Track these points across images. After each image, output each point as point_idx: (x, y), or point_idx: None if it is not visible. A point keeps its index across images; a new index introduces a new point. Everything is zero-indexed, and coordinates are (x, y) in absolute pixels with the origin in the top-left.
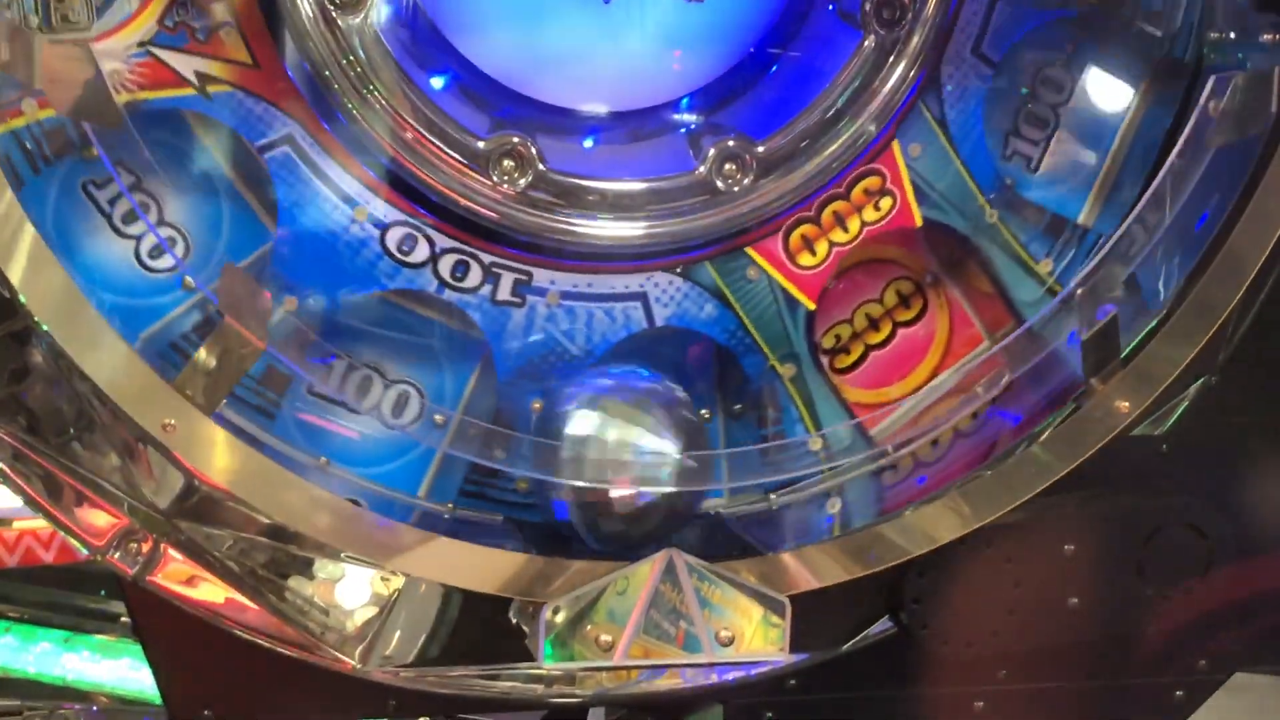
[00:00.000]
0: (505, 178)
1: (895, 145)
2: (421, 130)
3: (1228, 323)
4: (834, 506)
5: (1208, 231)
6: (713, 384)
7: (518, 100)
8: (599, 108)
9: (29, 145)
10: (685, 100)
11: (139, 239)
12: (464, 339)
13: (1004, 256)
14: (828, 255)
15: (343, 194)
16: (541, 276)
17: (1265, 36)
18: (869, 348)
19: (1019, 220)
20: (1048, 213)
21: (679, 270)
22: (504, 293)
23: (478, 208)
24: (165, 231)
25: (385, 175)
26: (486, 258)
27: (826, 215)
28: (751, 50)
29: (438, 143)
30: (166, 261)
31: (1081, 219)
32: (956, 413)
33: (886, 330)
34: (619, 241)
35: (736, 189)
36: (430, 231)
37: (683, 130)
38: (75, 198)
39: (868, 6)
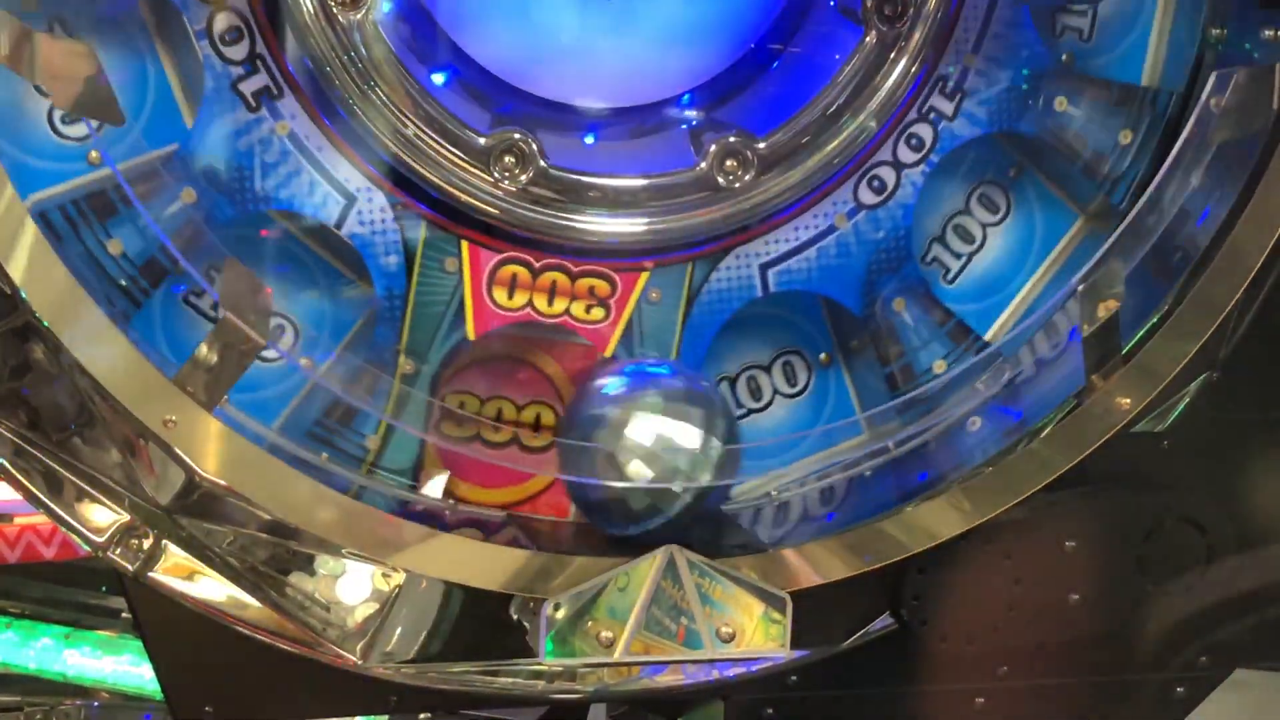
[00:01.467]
0: (506, 174)
1: (642, 279)
2: (422, 126)
3: (1229, 319)
4: (834, 502)
5: (1209, 228)
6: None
7: (519, 96)
8: (600, 104)
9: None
10: (686, 96)
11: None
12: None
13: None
14: (520, 308)
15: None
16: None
17: (1266, 33)
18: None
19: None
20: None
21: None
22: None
23: (479, 203)
24: None
25: (386, 171)
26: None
27: (545, 277)
28: (753, 46)
29: (439, 139)
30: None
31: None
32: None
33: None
34: (620, 238)
35: (738, 185)
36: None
37: (684, 126)
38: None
39: (869, 3)
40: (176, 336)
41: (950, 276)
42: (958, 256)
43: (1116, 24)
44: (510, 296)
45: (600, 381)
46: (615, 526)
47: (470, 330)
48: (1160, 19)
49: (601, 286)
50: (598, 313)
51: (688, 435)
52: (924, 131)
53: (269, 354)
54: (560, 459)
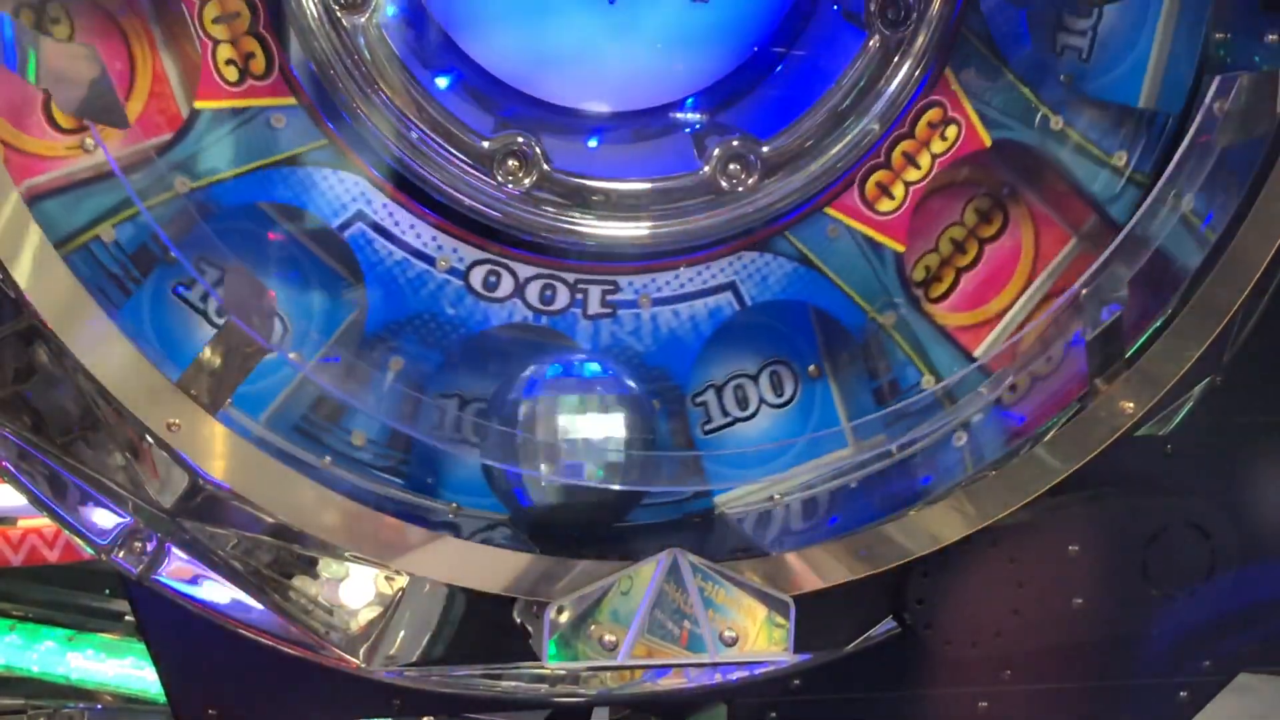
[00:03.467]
0: (510, 177)
1: (949, 73)
2: (426, 130)
3: (1232, 323)
4: (837, 506)
5: (1212, 232)
6: (816, 345)
7: (522, 100)
8: (603, 107)
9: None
10: (690, 100)
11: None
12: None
13: (1078, 158)
14: (905, 196)
15: (420, 252)
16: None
17: (1270, 37)
18: (959, 270)
19: (1085, 120)
20: (1111, 106)
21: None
22: (594, 307)
23: (482, 207)
24: None
25: (390, 175)
26: (570, 276)
27: (896, 156)
28: (756, 50)
29: (442, 142)
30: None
31: (1142, 102)
32: (1056, 318)
33: (974, 251)
34: (623, 241)
35: (741, 189)
36: (514, 265)
37: (687, 130)
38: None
39: (872, 7)
40: (164, 327)
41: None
42: (1083, 35)
43: (1117, 45)
44: (891, 198)
45: (527, 374)
46: (522, 517)
47: (897, 246)
48: (1160, 40)
49: (934, 114)
50: (951, 132)
51: (598, 433)
52: None
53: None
54: (484, 444)
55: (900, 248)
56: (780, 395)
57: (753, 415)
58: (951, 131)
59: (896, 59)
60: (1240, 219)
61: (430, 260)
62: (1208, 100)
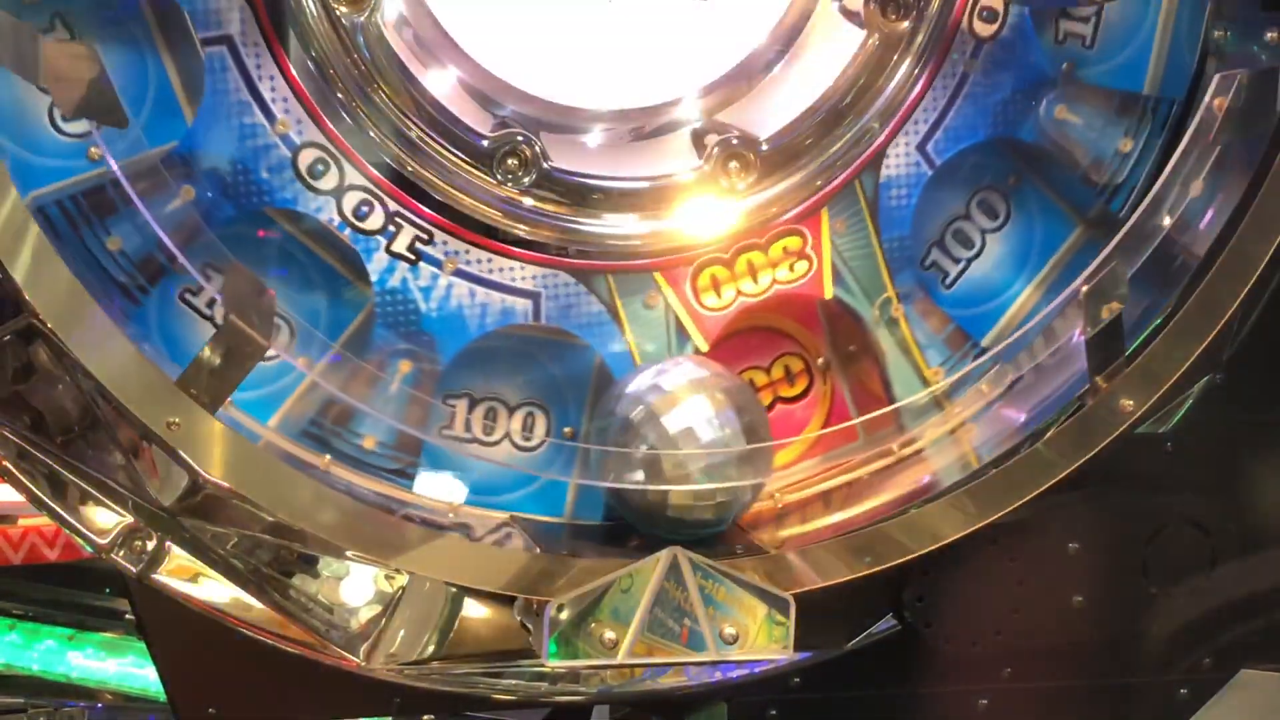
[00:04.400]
0: (509, 176)
1: (824, 214)
2: (425, 128)
3: (1231, 321)
4: (838, 505)
5: (1212, 230)
6: (585, 399)
7: (522, 98)
8: (603, 106)
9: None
10: (689, 98)
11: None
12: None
13: (900, 357)
14: (732, 304)
15: (266, 106)
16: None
17: (1269, 35)
18: None
19: (922, 324)
20: (952, 323)
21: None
22: (400, 246)
23: (482, 206)
24: None
25: (389, 172)
26: (391, 205)
27: (741, 263)
28: (755, 48)
29: (442, 141)
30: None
31: (985, 341)
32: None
33: (766, 400)
34: (622, 240)
35: (740, 187)
36: (345, 165)
37: (687, 128)
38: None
39: (871, 5)
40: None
41: (948, 281)
42: (956, 261)
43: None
44: (719, 295)
45: (622, 387)
46: (654, 528)
47: (703, 344)
48: (1163, 26)
49: (793, 243)
50: (801, 266)
51: (725, 438)
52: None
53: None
54: (596, 465)
55: (705, 346)
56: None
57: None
58: (801, 266)
59: (895, 57)
60: (1240, 216)
61: (271, 119)
62: (1208, 97)
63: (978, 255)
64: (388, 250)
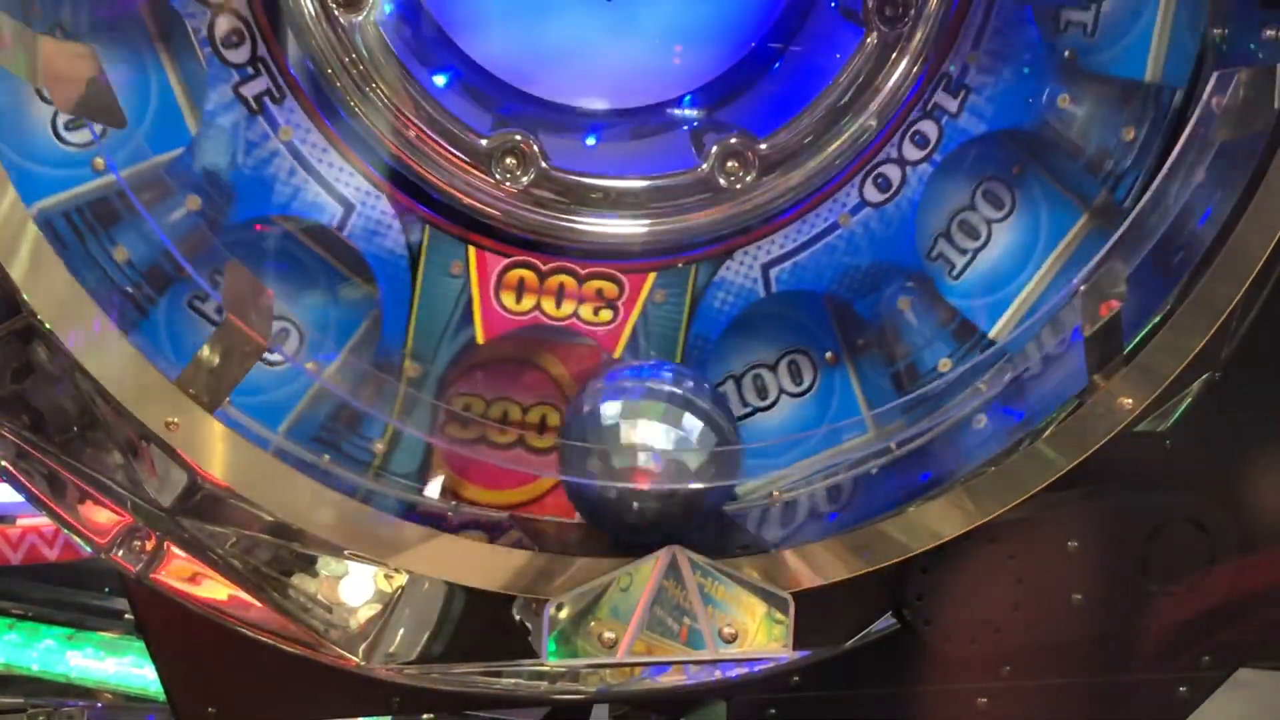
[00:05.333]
0: (508, 175)
1: (651, 277)
2: (424, 128)
3: (1230, 319)
4: (837, 503)
5: (1211, 227)
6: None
7: (520, 98)
8: (601, 105)
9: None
10: (688, 97)
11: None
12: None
13: None
14: (527, 313)
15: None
16: None
17: (1267, 33)
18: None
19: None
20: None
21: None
22: (249, 91)
23: (480, 205)
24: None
25: (388, 173)
26: (262, 49)
27: (553, 280)
28: (754, 47)
29: (440, 140)
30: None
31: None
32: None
33: (510, 438)
34: (621, 239)
35: (739, 186)
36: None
37: (685, 127)
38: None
39: (870, 4)
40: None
41: (955, 273)
42: (963, 252)
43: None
44: (518, 300)
45: (598, 384)
46: (615, 528)
47: (479, 335)
48: (1164, 12)
49: (609, 288)
50: (605, 315)
51: (685, 437)
52: (929, 129)
53: (274, 357)
54: (561, 460)
55: (480, 340)
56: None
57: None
58: (605, 315)
59: (894, 56)
60: (1239, 214)
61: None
62: (1206, 95)
63: (984, 246)
64: (235, 90)
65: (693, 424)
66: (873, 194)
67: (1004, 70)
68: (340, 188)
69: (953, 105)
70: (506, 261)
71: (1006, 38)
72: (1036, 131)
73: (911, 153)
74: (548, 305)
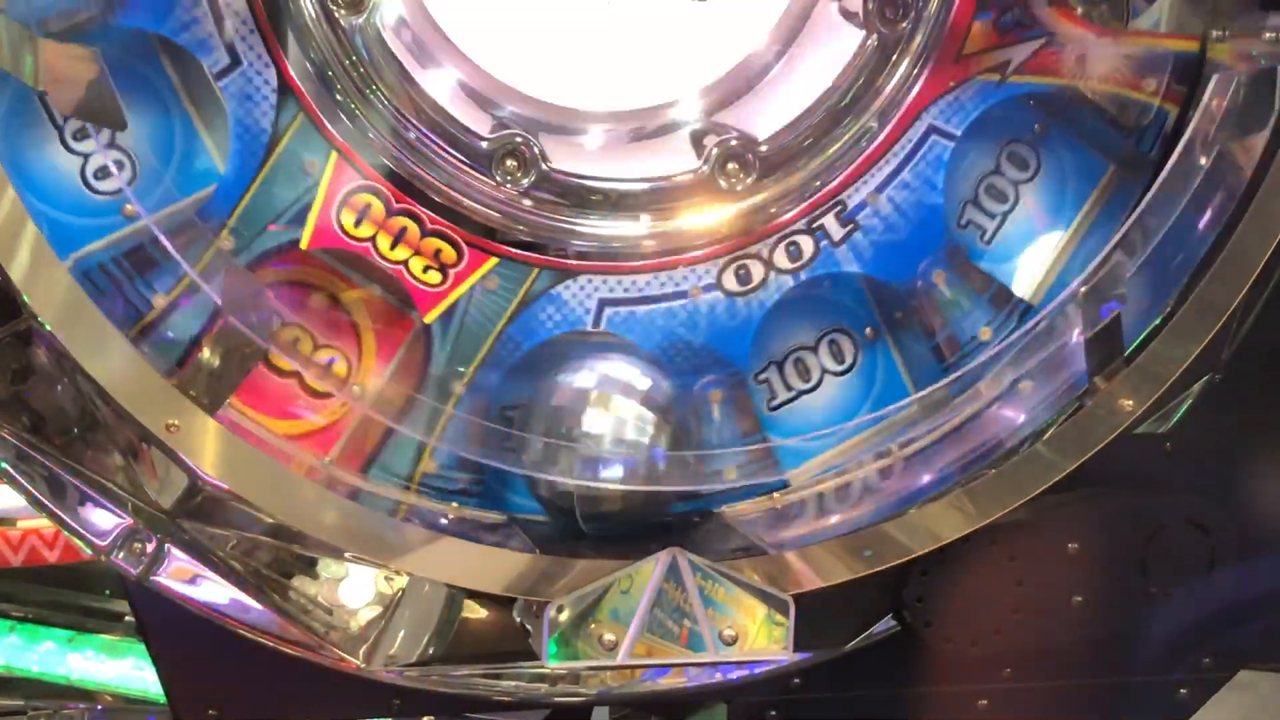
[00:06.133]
0: (508, 177)
1: (492, 262)
2: (424, 130)
3: (1231, 321)
4: (837, 505)
5: (1211, 229)
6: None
7: (520, 100)
8: (601, 107)
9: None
10: (688, 99)
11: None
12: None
13: None
14: (361, 242)
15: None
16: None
17: (1267, 35)
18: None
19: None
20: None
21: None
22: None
23: (480, 207)
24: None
25: (388, 174)
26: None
27: (401, 220)
28: (753, 49)
29: (440, 142)
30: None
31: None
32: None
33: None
34: (621, 240)
35: (739, 188)
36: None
37: (685, 129)
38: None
39: (870, 5)
40: None
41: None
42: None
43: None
44: (357, 224)
45: (560, 376)
46: (566, 521)
47: (305, 239)
48: (1060, 251)
49: (448, 253)
50: (434, 276)
51: (633, 431)
52: (806, 244)
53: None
54: (523, 452)
55: (304, 245)
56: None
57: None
58: (434, 277)
59: (894, 57)
60: (1239, 216)
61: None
62: (1206, 98)
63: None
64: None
65: (645, 420)
66: (731, 282)
67: (897, 224)
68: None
69: (837, 233)
70: (360, 183)
71: (911, 195)
72: (903, 295)
73: (781, 261)
74: (383, 242)
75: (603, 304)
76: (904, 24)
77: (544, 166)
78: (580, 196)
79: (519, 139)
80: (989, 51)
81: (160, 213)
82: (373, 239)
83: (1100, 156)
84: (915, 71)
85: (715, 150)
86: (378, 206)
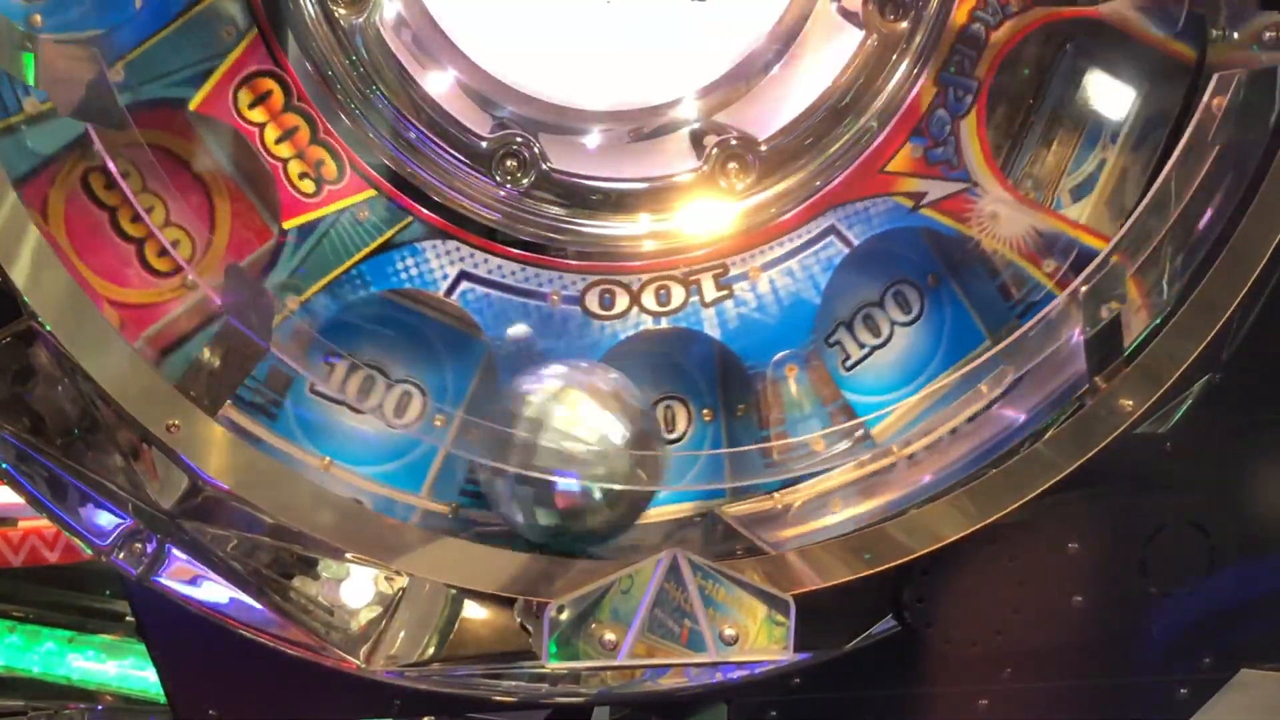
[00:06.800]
0: (508, 177)
1: (370, 192)
2: (424, 130)
3: (1231, 320)
4: (837, 506)
5: (1211, 229)
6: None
7: (520, 100)
8: (601, 107)
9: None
10: (688, 99)
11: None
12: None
13: None
14: (251, 124)
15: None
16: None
17: (1267, 34)
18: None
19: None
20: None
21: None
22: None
23: (480, 208)
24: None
25: (388, 174)
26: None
27: (290, 117)
28: (754, 48)
29: (440, 142)
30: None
31: (875, 431)
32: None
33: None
34: (621, 240)
35: (739, 188)
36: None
37: (685, 129)
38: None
39: (870, 5)
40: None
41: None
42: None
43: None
44: (251, 108)
45: (523, 380)
46: (531, 529)
47: (195, 101)
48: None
49: (330, 168)
50: (308, 185)
51: (605, 436)
52: (677, 292)
53: None
54: (482, 445)
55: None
56: (908, 313)
57: (888, 339)
58: (308, 185)
59: (894, 57)
60: (1239, 215)
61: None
62: (1206, 96)
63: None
64: (705, 305)
65: (613, 424)
66: (593, 302)
67: (769, 307)
68: None
69: (710, 294)
70: (269, 68)
71: (792, 284)
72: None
73: (649, 300)
74: (270, 134)
75: (462, 275)
76: (904, 23)
77: (544, 166)
78: (580, 196)
79: (519, 139)
80: (911, 176)
81: (65, 35)
82: (261, 127)
83: (980, 326)
84: (915, 71)
85: (715, 150)
86: (278, 97)
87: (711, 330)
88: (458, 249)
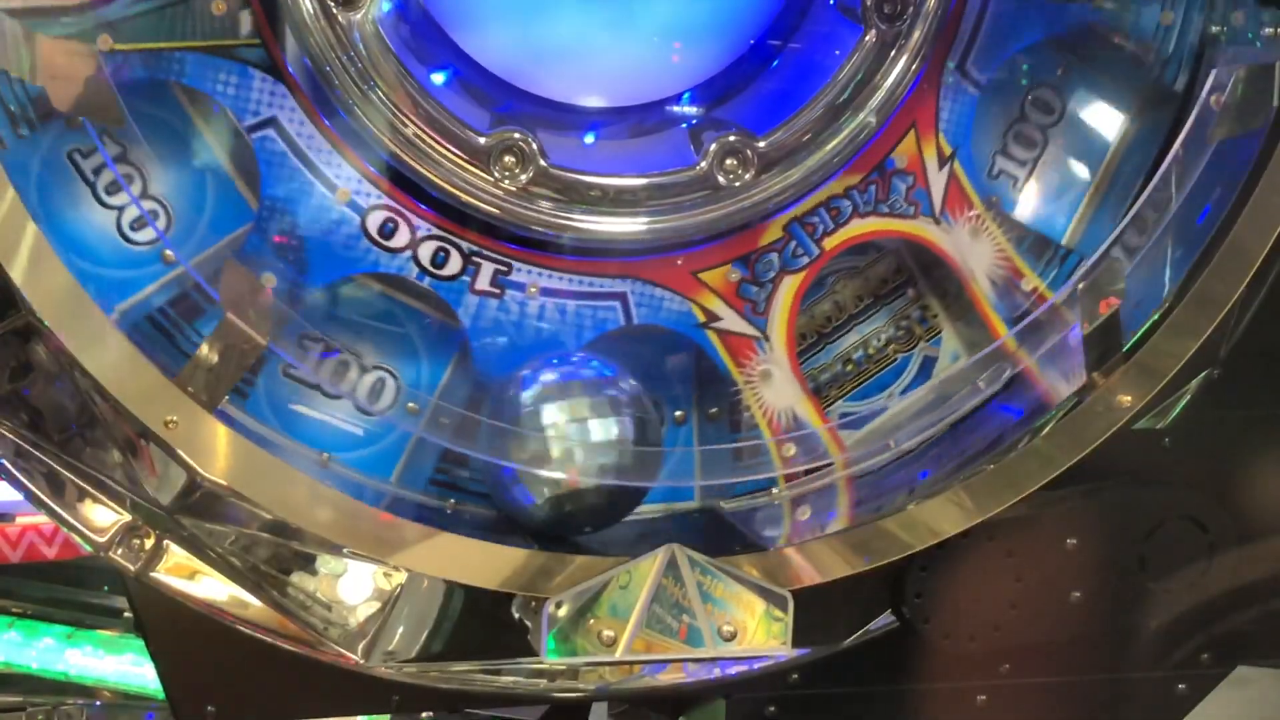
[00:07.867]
0: (506, 173)
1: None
2: (422, 126)
3: (1229, 316)
4: (839, 502)
5: (1210, 225)
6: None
7: (518, 95)
8: (600, 103)
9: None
10: (686, 95)
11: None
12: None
13: None
14: None
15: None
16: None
17: (1266, 30)
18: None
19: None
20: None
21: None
22: (482, 283)
23: (478, 203)
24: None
25: (386, 170)
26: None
27: None
28: (752, 44)
29: (439, 138)
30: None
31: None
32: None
33: None
34: (620, 238)
35: (738, 184)
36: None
37: (684, 125)
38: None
39: (869, 1)
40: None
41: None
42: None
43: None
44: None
45: (525, 372)
46: (525, 516)
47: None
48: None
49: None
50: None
51: (600, 431)
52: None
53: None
54: (487, 439)
55: None
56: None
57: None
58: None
59: (893, 53)
60: (1237, 212)
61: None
62: (1205, 92)
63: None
64: (473, 291)
65: (609, 418)
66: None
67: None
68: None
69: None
70: None
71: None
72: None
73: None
74: None
75: (272, 121)
76: (903, 20)
77: (542, 162)
78: (578, 192)
79: (517, 135)
80: (718, 296)
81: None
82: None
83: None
84: (914, 67)
85: (714, 146)
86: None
87: (465, 319)
88: (285, 96)
